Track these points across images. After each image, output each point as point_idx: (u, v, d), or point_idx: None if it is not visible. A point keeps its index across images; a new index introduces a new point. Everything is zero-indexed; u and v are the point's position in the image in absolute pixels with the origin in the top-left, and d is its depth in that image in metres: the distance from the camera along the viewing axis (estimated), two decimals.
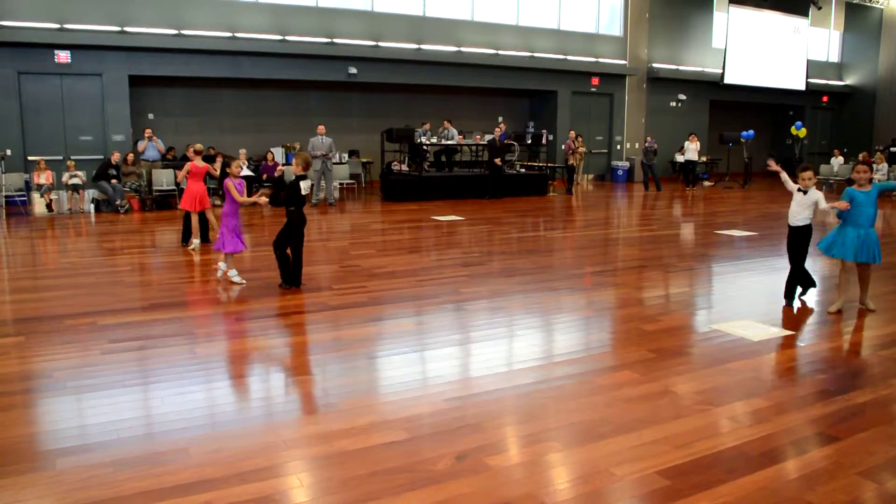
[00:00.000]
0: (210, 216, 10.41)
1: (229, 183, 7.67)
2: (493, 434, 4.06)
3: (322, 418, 4.29)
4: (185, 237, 10.29)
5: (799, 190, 6.90)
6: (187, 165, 10.08)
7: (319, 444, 3.90)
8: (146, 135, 15.46)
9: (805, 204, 6.84)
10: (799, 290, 7.17)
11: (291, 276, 7.58)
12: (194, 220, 10.14)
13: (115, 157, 14.66)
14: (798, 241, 7.00)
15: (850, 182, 6.83)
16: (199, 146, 10.34)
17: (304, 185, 7.43)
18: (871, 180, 6.67)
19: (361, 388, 4.86)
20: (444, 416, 4.34)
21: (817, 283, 7.37)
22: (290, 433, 4.04)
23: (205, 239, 10.33)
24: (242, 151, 16.24)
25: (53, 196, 14.28)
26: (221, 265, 7.97)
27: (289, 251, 7.53)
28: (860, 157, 21.14)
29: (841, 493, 3.39)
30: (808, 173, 6.87)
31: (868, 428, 4.14)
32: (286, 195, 7.51)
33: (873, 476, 3.57)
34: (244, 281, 7.81)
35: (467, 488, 3.41)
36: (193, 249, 9.94)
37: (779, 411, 4.41)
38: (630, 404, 4.49)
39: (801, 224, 6.93)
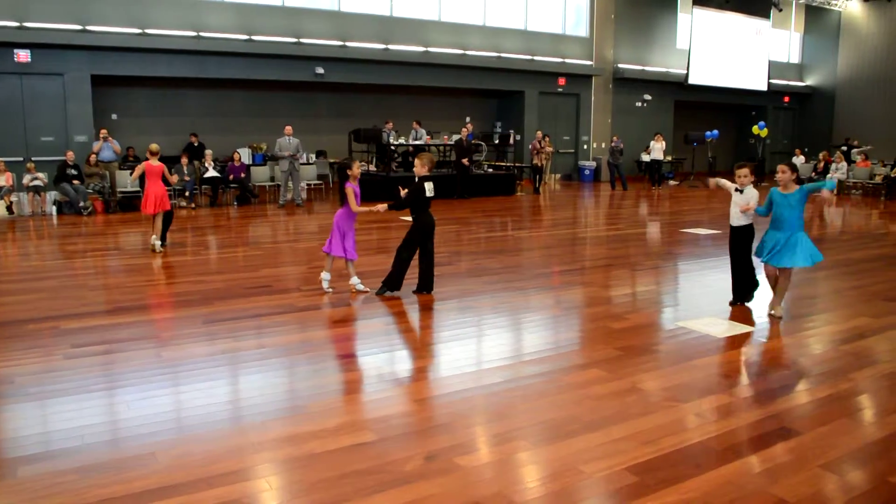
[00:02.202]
0: (157, 220, 10.05)
1: (349, 189, 7.15)
2: (462, 434, 4.07)
3: (291, 420, 4.26)
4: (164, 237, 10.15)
5: (736, 189, 6.68)
6: (140, 165, 9.94)
7: (288, 446, 3.88)
8: (101, 135, 15.10)
9: (741, 203, 6.62)
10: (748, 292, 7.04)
11: (422, 281, 7.36)
12: (157, 221, 9.96)
13: (70, 157, 14.37)
14: (737, 243, 6.82)
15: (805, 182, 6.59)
16: (154, 147, 10.17)
17: (429, 187, 7.06)
18: (796, 180, 6.30)
19: (330, 390, 4.84)
20: (414, 416, 4.35)
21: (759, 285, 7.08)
22: (259, 436, 4.01)
23: (163, 241, 10.13)
24: (209, 152, 16.07)
25: (14, 198, 13.97)
26: (354, 279, 7.48)
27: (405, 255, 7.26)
28: (821, 156, 21.62)
29: (804, 485, 3.46)
30: (744, 170, 6.64)
31: (829, 421, 4.23)
32: (410, 198, 7.09)
33: (835, 468, 3.64)
34: (368, 289, 7.46)
35: (437, 488, 3.42)
36: (155, 251, 9.76)
37: (743, 406, 4.48)
38: (598, 402, 4.53)
39: (739, 224, 6.74)
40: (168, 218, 10.17)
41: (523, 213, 15.38)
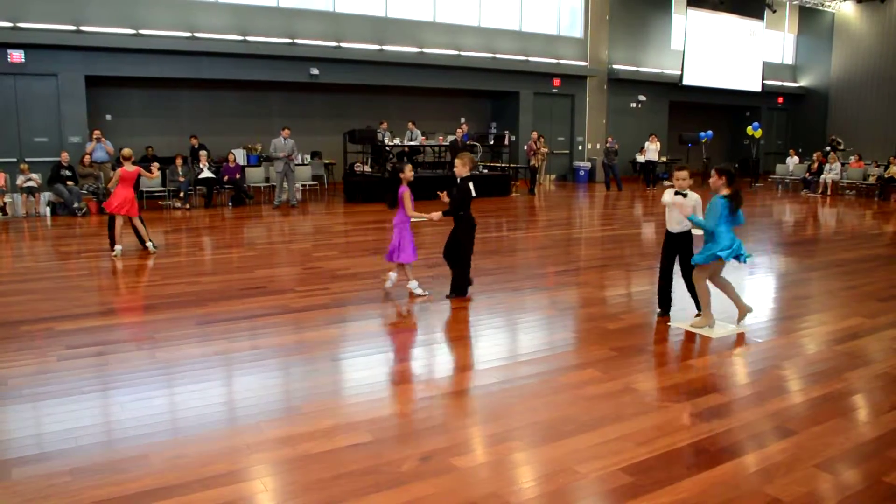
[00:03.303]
0: (138, 223, 9.93)
1: (406, 193, 7.21)
2: (457, 434, 4.07)
3: (285, 421, 4.25)
4: (113, 242, 9.96)
5: (677, 193, 6.18)
6: (118, 171, 9.87)
7: (283, 447, 3.87)
8: (95, 136, 15.06)
9: (686, 207, 6.13)
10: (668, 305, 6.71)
11: (456, 284, 7.35)
12: (118, 223, 9.76)
13: (65, 158, 14.35)
14: (684, 251, 6.42)
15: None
16: (127, 151, 10.13)
17: (472, 186, 7.14)
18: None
19: (325, 391, 4.83)
20: (409, 417, 4.34)
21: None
22: (253, 437, 4.00)
23: (144, 245, 10.03)
24: (203, 153, 16.04)
25: (7, 199, 13.93)
26: (391, 275, 7.56)
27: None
28: (815, 156, 21.67)
29: (798, 484, 3.47)
30: (684, 173, 6.20)
31: (823, 421, 4.24)
32: (460, 200, 7.14)
33: (829, 468, 3.65)
34: (427, 292, 7.42)
35: (432, 489, 3.42)
36: (116, 256, 9.62)
37: (737, 406, 4.49)
38: (593, 402, 4.54)
39: (679, 230, 6.38)
40: (140, 222, 10.00)
41: (518, 214, 15.38)
